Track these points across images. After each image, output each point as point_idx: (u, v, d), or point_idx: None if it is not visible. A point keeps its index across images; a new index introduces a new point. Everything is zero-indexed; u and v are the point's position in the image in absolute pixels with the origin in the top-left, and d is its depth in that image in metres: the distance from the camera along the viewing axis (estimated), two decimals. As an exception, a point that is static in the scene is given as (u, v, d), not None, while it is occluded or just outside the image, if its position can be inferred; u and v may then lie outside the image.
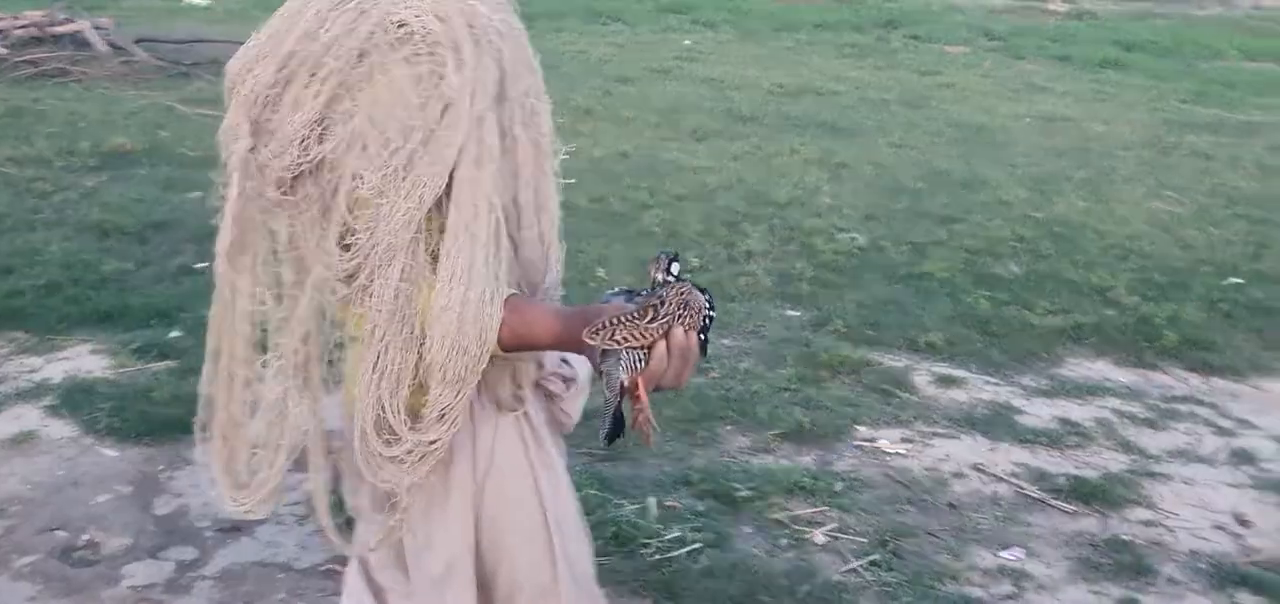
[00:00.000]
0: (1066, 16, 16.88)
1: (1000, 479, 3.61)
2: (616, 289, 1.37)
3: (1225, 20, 26.36)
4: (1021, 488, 3.55)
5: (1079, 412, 4.15)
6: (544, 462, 1.52)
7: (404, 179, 1.29)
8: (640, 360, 1.25)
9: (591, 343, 1.25)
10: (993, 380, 4.39)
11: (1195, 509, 3.49)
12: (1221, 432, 4.02)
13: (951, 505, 3.44)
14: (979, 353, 4.64)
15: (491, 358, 1.33)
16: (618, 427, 1.33)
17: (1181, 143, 9.14)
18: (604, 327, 1.24)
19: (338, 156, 1.33)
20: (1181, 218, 6.86)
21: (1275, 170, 8.46)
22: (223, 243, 1.42)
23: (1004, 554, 3.17)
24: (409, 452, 1.37)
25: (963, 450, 3.80)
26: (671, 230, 5.94)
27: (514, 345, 1.33)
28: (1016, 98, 10.48)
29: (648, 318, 1.24)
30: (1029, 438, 3.91)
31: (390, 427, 1.37)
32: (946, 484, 3.56)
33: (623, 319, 1.24)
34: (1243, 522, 3.41)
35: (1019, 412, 4.12)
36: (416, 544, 1.48)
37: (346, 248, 1.35)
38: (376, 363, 1.34)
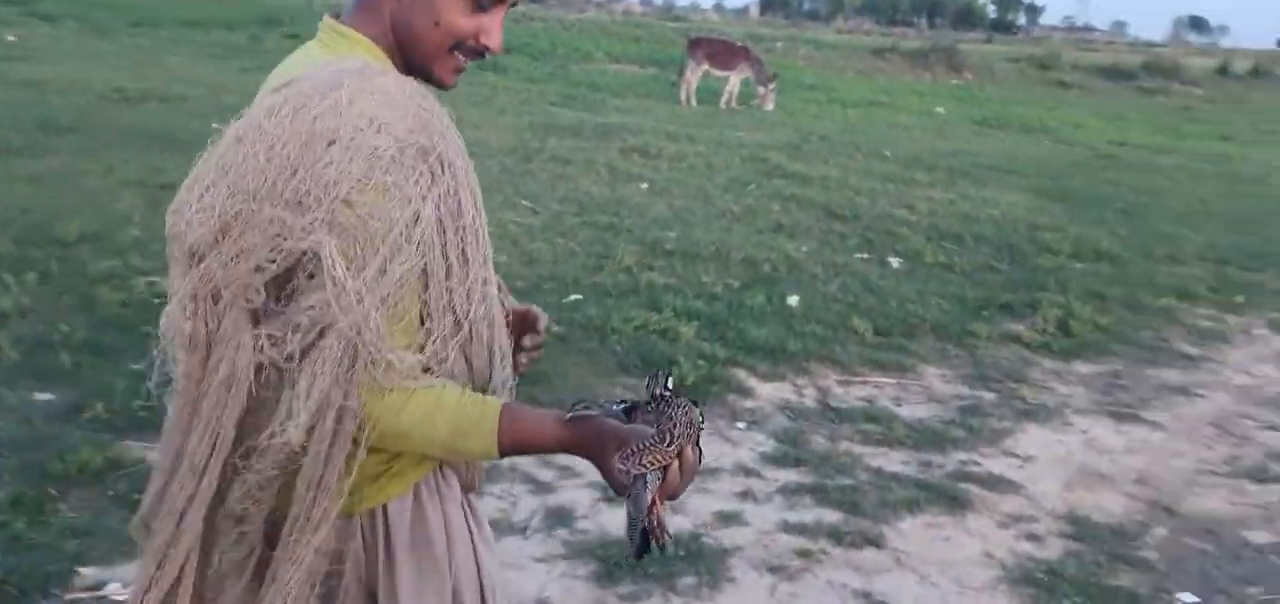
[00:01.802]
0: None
1: None
2: (617, 403, 1.40)
3: (596, 23, 29.01)
4: None
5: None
6: (484, 538, 1.56)
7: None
8: (659, 479, 1.33)
9: (624, 468, 1.30)
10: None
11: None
12: (541, 489, 3.64)
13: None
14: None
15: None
16: (646, 541, 1.35)
17: (544, 148, 9.22)
18: (634, 453, 1.30)
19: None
20: (533, 229, 6.71)
21: (624, 174, 8.82)
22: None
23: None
24: None
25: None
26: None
27: (511, 451, 1.36)
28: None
29: (666, 442, 1.32)
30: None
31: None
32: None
33: (648, 445, 1.31)
34: None
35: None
36: None
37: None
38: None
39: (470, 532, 1.53)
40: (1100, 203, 10.14)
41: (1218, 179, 13.05)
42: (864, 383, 4.93)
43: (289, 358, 1.26)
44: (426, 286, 1.32)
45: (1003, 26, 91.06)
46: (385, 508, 1.41)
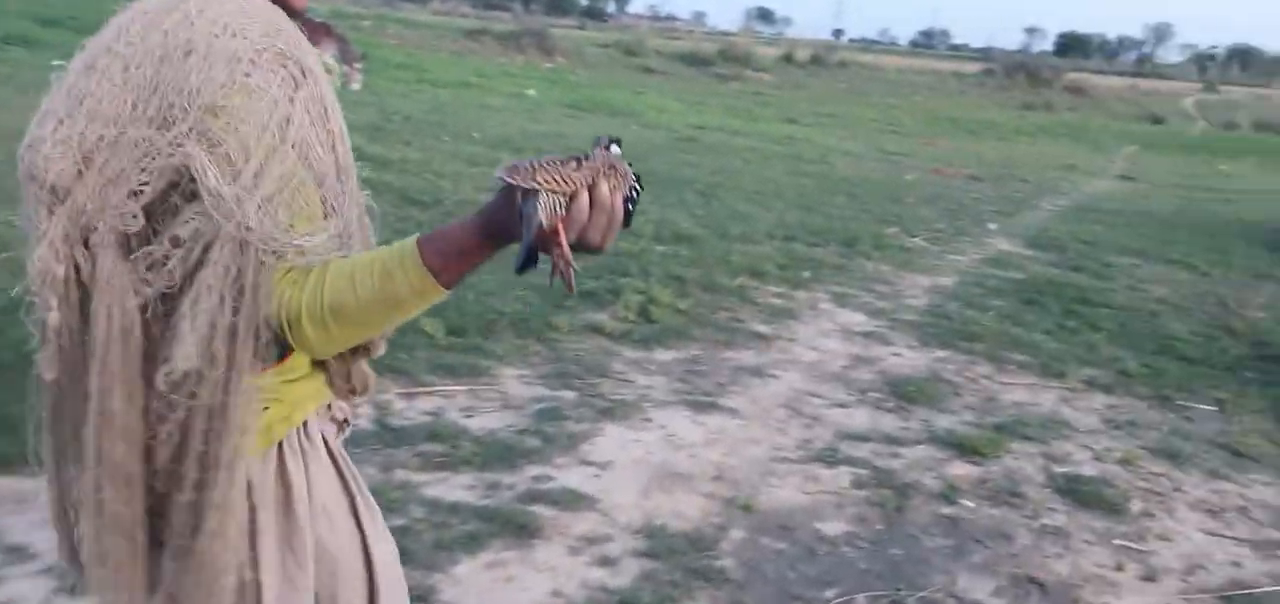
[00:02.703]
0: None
1: None
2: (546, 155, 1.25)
3: None
4: None
5: None
6: (367, 506, 1.47)
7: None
8: (561, 206, 1.20)
9: (510, 181, 1.19)
10: None
11: None
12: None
13: None
14: None
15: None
16: (531, 257, 1.23)
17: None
18: (526, 168, 1.20)
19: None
20: None
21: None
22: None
23: None
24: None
25: None
26: None
27: (448, 269, 1.23)
28: None
29: (571, 165, 1.21)
30: None
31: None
32: None
33: (545, 163, 1.20)
34: None
35: None
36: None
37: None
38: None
39: (352, 498, 1.44)
40: (681, 185, 10.34)
41: (785, 160, 13.93)
42: (430, 393, 4.38)
43: (173, 283, 1.21)
44: (320, 184, 1.27)
45: (593, 13, 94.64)
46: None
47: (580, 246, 1.23)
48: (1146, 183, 16.49)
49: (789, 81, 31.98)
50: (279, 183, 1.21)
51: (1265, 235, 10.78)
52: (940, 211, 10.87)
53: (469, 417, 4.22)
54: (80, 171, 1.21)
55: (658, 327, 5.60)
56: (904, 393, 4.99)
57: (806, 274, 7.22)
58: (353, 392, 1.43)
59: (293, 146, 1.23)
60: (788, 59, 35.22)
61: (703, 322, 5.85)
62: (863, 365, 5.44)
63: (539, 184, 1.19)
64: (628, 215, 1.27)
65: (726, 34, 67.58)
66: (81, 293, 1.24)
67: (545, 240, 1.23)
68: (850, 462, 4.15)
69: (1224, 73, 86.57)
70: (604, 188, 1.21)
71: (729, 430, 4.37)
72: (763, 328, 5.91)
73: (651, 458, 4.01)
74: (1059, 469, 4.26)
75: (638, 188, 1.29)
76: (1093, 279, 7.98)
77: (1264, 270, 8.98)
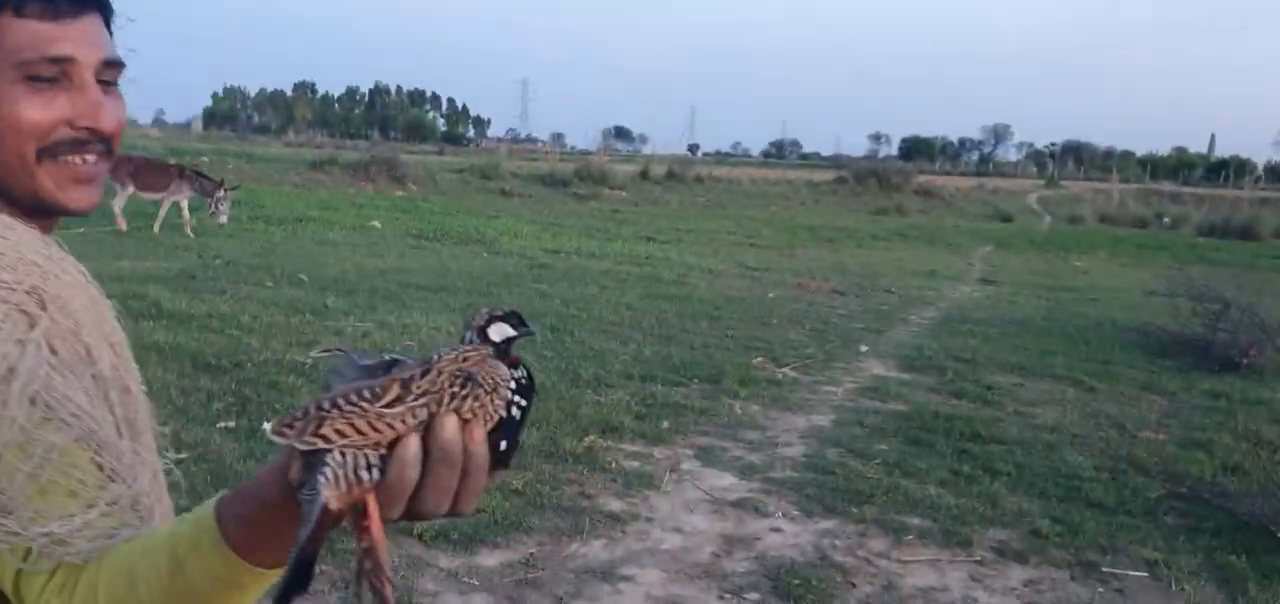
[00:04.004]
0: None
1: None
2: (388, 354, 0.84)
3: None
4: None
5: None
6: None
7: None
8: (368, 469, 0.77)
9: (277, 440, 0.77)
10: None
11: None
12: None
13: None
14: None
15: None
16: (299, 575, 0.77)
17: None
18: (303, 418, 0.76)
19: None
20: None
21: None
22: None
23: None
24: None
25: None
26: None
27: (246, 536, 0.85)
28: None
29: (387, 398, 0.78)
30: None
31: None
32: None
33: (341, 403, 0.77)
34: None
35: None
36: None
37: None
38: None
39: None
40: (530, 319, 9.36)
41: (643, 282, 13.14)
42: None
43: None
44: (89, 442, 0.94)
45: (453, 138, 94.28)
46: None
47: (415, 516, 0.81)
48: (1008, 283, 16.33)
49: (646, 198, 31.65)
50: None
51: (1136, 338, 10.44)
52: (808, 333, 10.18)
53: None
54: None
55: (484, 518, 4.55)
56: (788, 589, 4.05)
57: (666, 424, 6.29)
58: None
59: (30, 402, 0.90)
60: (644, 175, 34.99)
61: (542, 504, 4.83)
62: (737, 549, 4.50)
63: (325, 438, 0.75)
64: (504, 452, 0.82)
65: (585, 152, 67.79)
66: None
67: (336, 524, 0.78)
68: (726, 714, 3.17)
69: (1061, 168, 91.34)
70: (449, 425, 0.79)
71: (567, 678, 3.34)
72: (615, 505, 4.93)
73: None
74: (989, 695, 3.37)
75: (520, 400, 0.83)
76: (977, 406, 7.29)
77: (1147, 380, 8.50)
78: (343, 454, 0.77)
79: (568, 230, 20.19)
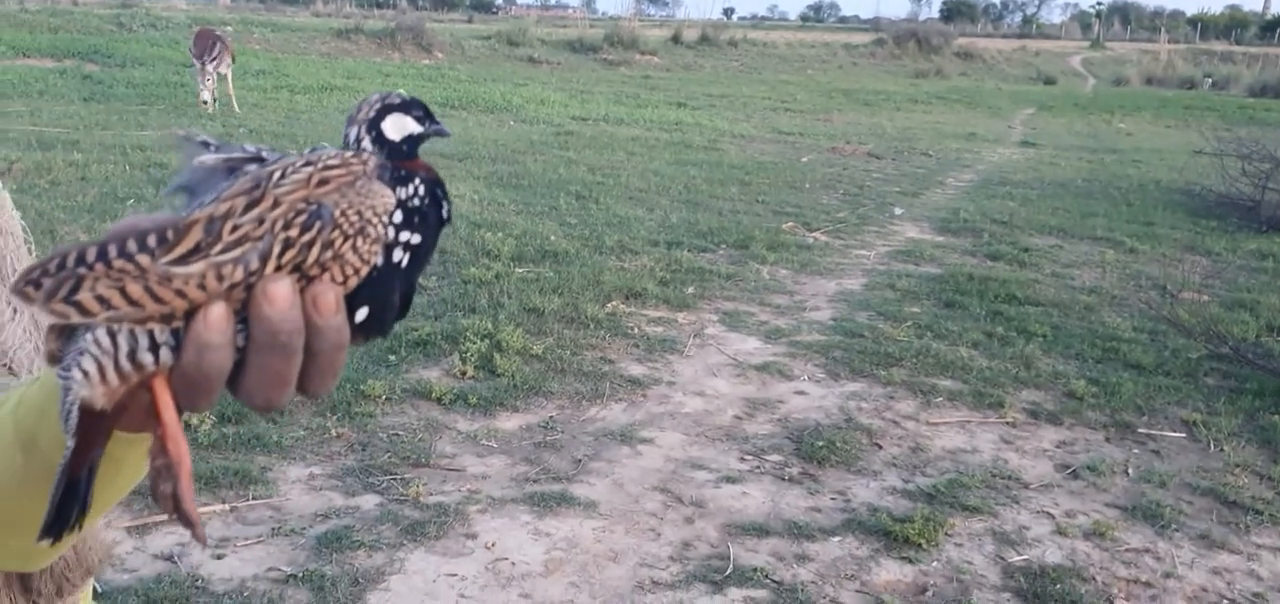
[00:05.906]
0: None
1: None
2: (259, 150, 0.57)
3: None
4: None
5: None
6: None
7: None
8: (153, 348, 0.53)
9: (18, 301, 0.60)
10: None
11: None
12: None
13: None
14: None
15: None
16: (67, 502, 0.57)
17: None
18: (54, 273, 0.52)
19: None
20: None
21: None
22: None
23: None
24: None
25: None
26: None
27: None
28: None
29: (181, 248, 0.52)
30: None
31: None
32: None
33: (110, 253, 0.52)
34: None
35: None
36: None
37: None
38: None
39: None
40: (554, 187, 9.21)
41: (672, 149, 12.87)
42: (171, 524, 3.19)
43: None
44: None
45: (481, 5, 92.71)
46: None
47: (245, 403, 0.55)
48: (1050, 147, 15.88)
49: (678, 63, 30.98)
50: None
51: (1181, 199, 10.11)
52: (841, 197, 9.94)
53: (219, 556, 3.05)
54: None
55: (503, 382, 4.47)
56: (812, 451, 3.95)
57: (691, 290, 6.16)
58: None
59: None
60: (676, 40, 34.20)
61: (562, 368, 4.74)
62: (760, 412, 4.39)
63: (82, 307, 0.52)
64: (366, 321, 0.56)
65: (615, 18, 66.39)
66: None
67: (113, 425, 0.56)
68: (744, 578, 3.08)
69: (1107, 29, 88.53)
70: (277, 295, 0.52)
71: (582, 541, 3.27)
72: (637, 370, 4.82)
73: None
74: (1016, 557, 3.26)
75: (413, 234, 0.56)
76: (1014, 269, 7.08)
77: (1190, 241, 8.23)
78: (109, 333, 0.54)
79: (596, 97, 19.82)
